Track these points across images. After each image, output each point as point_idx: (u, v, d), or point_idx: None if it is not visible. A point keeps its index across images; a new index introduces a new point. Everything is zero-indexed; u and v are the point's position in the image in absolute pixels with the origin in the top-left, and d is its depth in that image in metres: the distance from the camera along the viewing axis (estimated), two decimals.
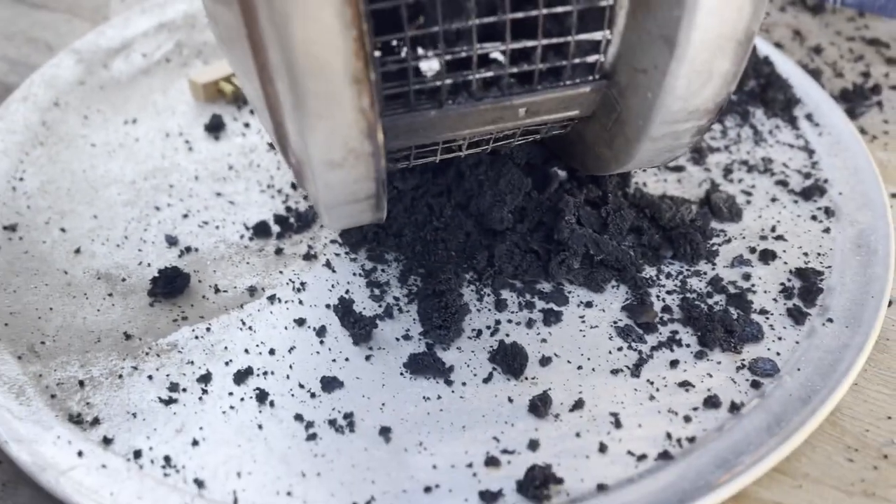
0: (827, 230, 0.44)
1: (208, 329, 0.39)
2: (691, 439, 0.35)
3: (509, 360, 0.37)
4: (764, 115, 0.52)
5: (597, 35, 0.34)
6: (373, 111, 0.28)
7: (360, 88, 0.27)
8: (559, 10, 0.32)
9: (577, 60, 0.34)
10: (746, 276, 0.42)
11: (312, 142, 0.29)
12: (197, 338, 0.39)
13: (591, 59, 0.34)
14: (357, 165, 0.30)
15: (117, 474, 0.33)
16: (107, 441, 0.34)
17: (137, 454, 0.34)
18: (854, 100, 0.55)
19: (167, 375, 0.37)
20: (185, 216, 0.45)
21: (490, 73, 0.34)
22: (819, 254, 0.43)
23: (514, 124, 0.36)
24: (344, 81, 0.27)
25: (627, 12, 0.33)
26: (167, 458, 0.34)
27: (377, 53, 0.35)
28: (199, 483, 0.33)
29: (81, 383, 0.37)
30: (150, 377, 0.37)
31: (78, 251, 0.43)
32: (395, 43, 0.37)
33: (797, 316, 0.40)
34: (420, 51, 0.34)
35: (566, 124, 0.39)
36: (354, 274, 0.42)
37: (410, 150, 0.36)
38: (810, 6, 0.64)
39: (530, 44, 0.33)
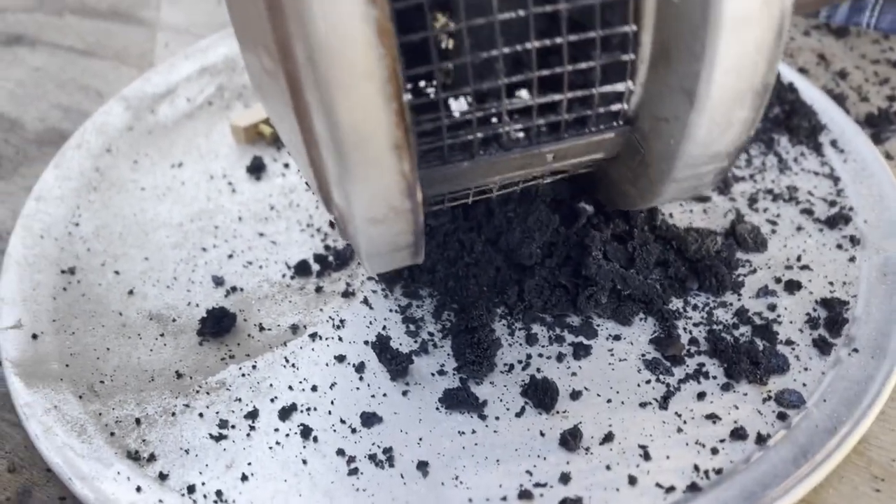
0: (852, 259, 0.45)
1: (254, 367, 0.42)
2: (719, 471, 0.36)
3: (540, 394, 0.39)
4: (789, 143, 0.53)
5: (619, 87, 0.35)
6: (412, 174, 0.30)
7: (400, 154, 0.29)
8: (583, 66, 0.34)
9: (601, 110, 0.36)
10: (772, 307, 0.43)
11: (356, 203, 0.31)
12: (244, 375, 0.41)
13: (614, 107, 0.36)
14: (398, 221, 0.32)
15: None
16: (163, 477, 0.37)
17: (191, 489, 0.36)
18: (880, 124, 0.55)
19: (217, 413, 0.39)
20: (230, 257, 0.48)
21: (519, 126, 0.35)
22: (845, 283, 0.44)
23: (542, 169, 0.38)
24: (386, 149, 0.29)
25: (648, 66, 0.34)
26: (219, 493, 0.36)
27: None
28: None
29: (138, 421, 0.39)
30: (200, 414, 0.39)
31: (131, 293, 0.46)
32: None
33: (823, 346, 0.41)
34: (451, 98, 0.35)
35: (592, 164, 0.41)
36: (390, 310, 0.44)
37: (444, 195, 0.38)
38: (835, 30, 0.65)
39: (557, 97, 0.34)
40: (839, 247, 0.46)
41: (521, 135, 0.37)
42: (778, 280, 0.44)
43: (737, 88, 0.32)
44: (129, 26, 0.71)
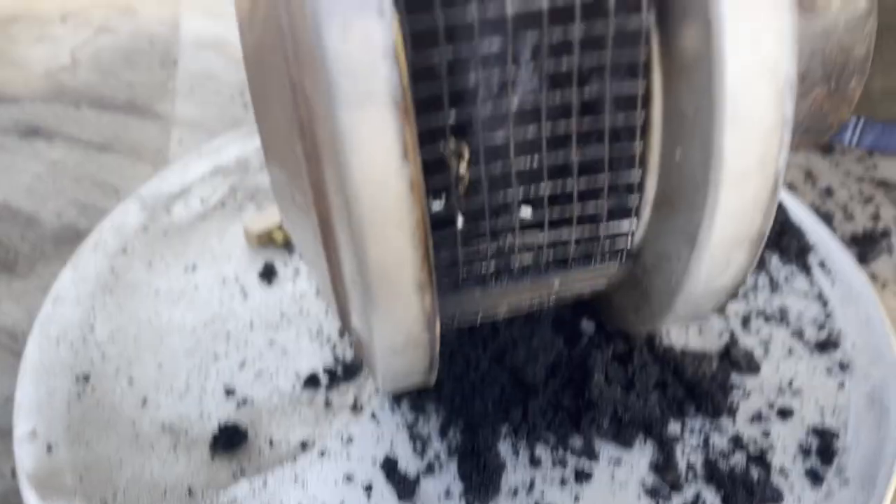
0: (842, 384, 0.47)
1: (264, 483, 0.43)
2: None
3: None
4: (779, 262, 0.56)
5: (625, 226, 0.38)
6: (433, 308, 0.32)
7: (423, 292, 0.31)
8: (591, 207, 0.36)
9: (607, 246, 0.38)
10: (766, 434, 0.45)
11: (378, 334, 0.33)
12: (254, 493, 0.42)
13: (619, 244, 0.38)
14: (416, 350, 0.34)
15: None
16: None
17: None
18: (865, 244, 0.58)
19: None
20: (242, 365, 0.49)
21: (530, 261, 0.38)
22: (835, 410, 0.46)
23: (548, 294, 0.40)
24: (411, 288, 0.31)
25: (652, 208, 0.37)
26: None
27: None
28: None
29: None
30: None
31: (144, 402, 0.47)
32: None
33: (815, 477, 0.42)
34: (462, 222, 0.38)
35: (595, 291, 0.43)
36: (398, 426, 0.45)
37: (454, 318, 0.40)
38: (821, 146, 0.68)
39: (566, 235, 0.37)
40: (829, 371, 0.48)
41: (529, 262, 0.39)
42: (771, 405, 0.46)
43: (735, 235, 0.34)
44: (144, 120, 0.73)
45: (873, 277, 0.55)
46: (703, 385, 0.46)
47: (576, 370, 0.46)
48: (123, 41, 0.82)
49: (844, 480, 0.42)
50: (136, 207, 0.61)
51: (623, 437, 0.44)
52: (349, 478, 0.43)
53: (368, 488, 0.42)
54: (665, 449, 0.44)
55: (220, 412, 0.46)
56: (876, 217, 0.61)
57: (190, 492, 0.42)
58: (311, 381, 0.48)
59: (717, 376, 0.47)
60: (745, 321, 0.51)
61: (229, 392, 0.48)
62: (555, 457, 0.44)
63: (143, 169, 0.67)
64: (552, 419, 0.45)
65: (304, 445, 0.45)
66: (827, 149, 0.68)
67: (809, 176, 0.65)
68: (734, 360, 0.48)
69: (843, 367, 0.48)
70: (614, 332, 0.48)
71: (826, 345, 0.49)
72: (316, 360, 0.50)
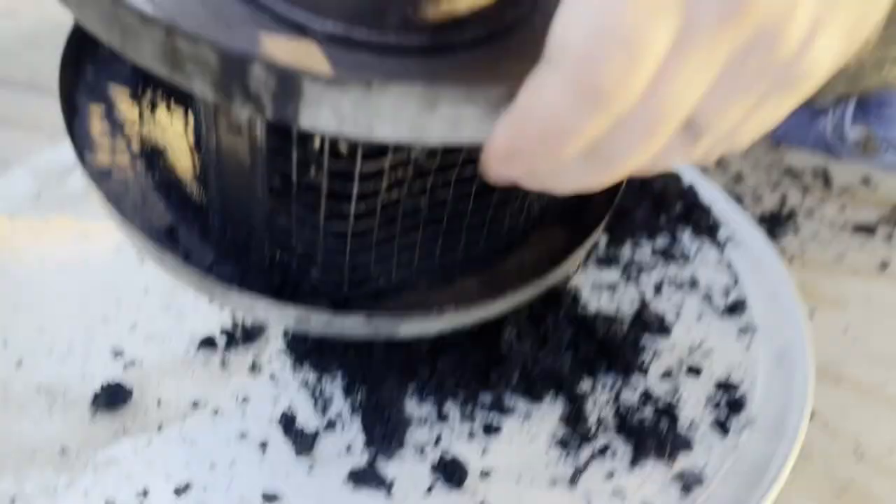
0: (749, 345, 0.47)
1: (149, 442, 0.39)
2: None
3: (450, 473, 0.38)
4: (691, 236, 0.56)
5: None
6: None
7: None
8: None
9: None
10: (675, 389, 0.44)
11: None
12: (137, 452, 0.39)
13: None
14: None
15: None
16: None
17: None
18: (772, 223, 0.59)
19: (103, 490, 0.37)
20: (133, 328, 0.46)
21: None
22: (742, 368, 0.45)
23: None
24: None
25: None
26: None
27: None
28: None
29: (13, 499, 0.36)
30: (85, 493, 0.37)
31: (19, 364, 0.43)
32: None
33: (723, 427, 0.42)
34: None
35: None
36: (299, 386, 0.43)
37: None
38: None
39: None
40: (738, 333, 0.48)
41: None
42: (681, 364, 0.46)
43: None
44: (44, 98, 0.69)
45: (781, 251, 0.56)
46: (615, 344, 0.45)
47: (486, 327, 0.44)
48: (27, 26, 0.79)
49: (752, 431, 0.41)
50: (28, 176, 0.57)
51: (533, 392, 0.43)
52: (243, 435, 0.40)
53: (263, 445, 0.39)
54: (576, 403, 0.42)
55: (105, 373, 0.43)
56: (783, 201, 0.62)
57: (63, 451, 0.39)
58: (207, 343, 0.45)
59: (628, 336, 0.46)
60: (658, 289, 0.51)
61: (117, 354, 0.44)
62: (464, 412, 0.42)
63: (39, 144, 0.63)
64: (461, 375, 0.43)
65: (195, 405, 0.42)
66: None
67: (720, 163, 0.66)
68: (646, 322, 0.48)
69: (751, 329, 0.48)
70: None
71: (735, 309, 0.50)
72: (213, 323, 0.47)
